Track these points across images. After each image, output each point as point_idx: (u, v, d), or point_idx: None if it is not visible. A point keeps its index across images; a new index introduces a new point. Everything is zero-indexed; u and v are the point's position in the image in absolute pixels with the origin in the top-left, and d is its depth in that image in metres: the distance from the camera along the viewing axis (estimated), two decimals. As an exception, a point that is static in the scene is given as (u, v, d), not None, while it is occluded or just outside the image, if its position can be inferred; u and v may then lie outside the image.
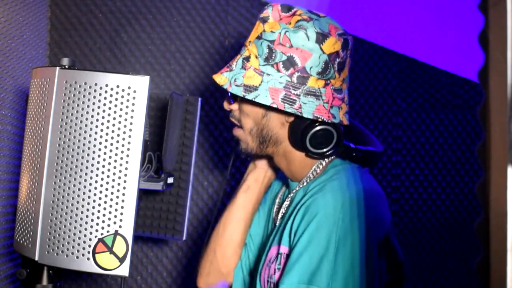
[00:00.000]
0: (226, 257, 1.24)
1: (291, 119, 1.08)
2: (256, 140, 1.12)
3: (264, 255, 1.15)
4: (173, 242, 1.88)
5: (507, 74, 0.45)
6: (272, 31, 1.05)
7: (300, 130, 1.06)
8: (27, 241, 0.95)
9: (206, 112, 1.88)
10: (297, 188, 1.14)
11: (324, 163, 1.12)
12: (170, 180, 1.22)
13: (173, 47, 1.87)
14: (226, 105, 1.17)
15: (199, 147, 1.86)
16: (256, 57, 1.06)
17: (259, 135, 1.12)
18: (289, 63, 1.03)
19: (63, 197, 0.92)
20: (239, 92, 1.05)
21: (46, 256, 0.92)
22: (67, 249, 0.91)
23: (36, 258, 0.93)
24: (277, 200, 1.24)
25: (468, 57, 1.83)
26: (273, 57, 1.04)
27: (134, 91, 0.92)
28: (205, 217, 1.87)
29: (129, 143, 0.91)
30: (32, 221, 0.94)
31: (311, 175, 1.12)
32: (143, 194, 1.38)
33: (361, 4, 1.85)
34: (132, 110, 0.91)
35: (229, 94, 1.14)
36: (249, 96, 1.04)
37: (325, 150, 1.07)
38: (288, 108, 1.03)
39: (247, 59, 1.08)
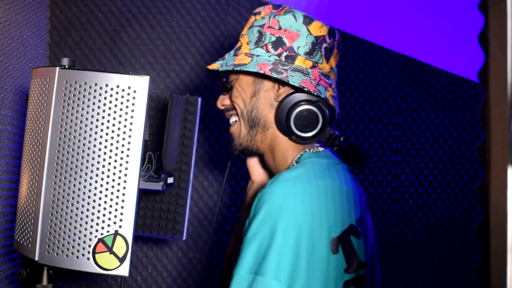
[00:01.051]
0: None
1: (280, 98, 1.09)
2: (247, 125, 1.13)
3: None
4: (173, 242, 1.88)
5: (507, 74, 0.45)
6: (262, 18, 1.12)
7: (286, 110, 1.07)
8: (27, 241, 0.95)
9: (206, 112, 1.88)
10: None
11: (302, 153, 1.10)
12: (170, 180, 1.22)
13: (173, 47, 1.87)
14: (219, 102, 1.19)
15: (199, 147, 1.86)
16: (247, 43, 1.12)
17: (249, 117, 1.12)
18: (278, 43, 1.08)
19: (63, 197, 0.92)
20: (229, 69, 1.09)
21: (46, 256, 0.92)
22: (67, 249, 0.91)
23: (36, 258, 0.93)
24: None
25: (468, 57, 1.83)
26: (262, 40, 1.09)
27: (134, 91, 0.92)
28: (205, 217, 1.87)
29: (129, 143, 0.91)
30: (32, 221, 0.94)
31: (291, 165, 1.10)
32: (143, 194, 1.38)
33: (361, 4, 1.85)
34: (132, 110, 0.91)
35: (221, 87, 1.18)
36: (239, 68, 1.07)
37: (309, 134, 1.07)
38: (275, 75, 1.04)
39: (238, 48, 1.13)
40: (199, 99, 1.35)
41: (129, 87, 0.91)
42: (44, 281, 1.00)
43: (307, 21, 1.09)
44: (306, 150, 1.10)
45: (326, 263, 0.94)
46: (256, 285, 0.89)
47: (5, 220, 1.51)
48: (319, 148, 1.12)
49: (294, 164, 1.10)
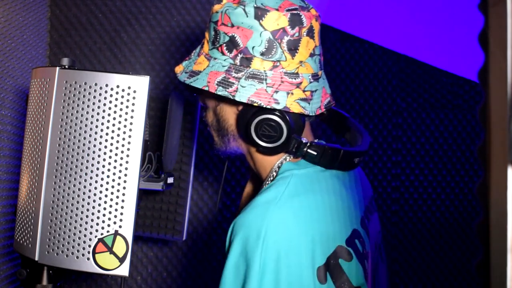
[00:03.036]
0: None
1: (240, 107, 0.99)
2: (218, 134, 1.05)
3: None
4: (173, 242, 1.88)
5: (507, 74, 0.45)
6: (216, 12, 0.97)
7: (245, 121, 0.96)
8: (27, 241, 0.95)
9: (206, 112, 1.88)
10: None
11: (279, 164, 0.99)
12: (170, 180, 1.22)
13: (173, 47, 1.87)
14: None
15: (199, 147, 1.86)
16: (207, 42, 1.00)
17: (217, 127, 1.04)
18: (232, 44, 0.94)
19: (63, 197, 0.92)
20: (183, 78, 0.99)
21: (46, 256, 0.92)
22: (67, 249, 0.91)
23: (36, 258, 0.93)
24: None
25: (468, 57, 1.83)
26: (218, 39, 0.96)
27: (134, 91, 0.92)
28: (205, 217, 1.87)
29: (129, 143, 0.91)
30: (32, 221, 0.94)
31: (269, 179, 1.00)
32: (143, 194, 1.38)
33: (361, 3, 1.85)
34: (132, 110, 0.91)
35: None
36: (189, 81, 0.98)
37: (270, 145, 0.95)
38: (221, 91, 0.93)
39: (202, 46, 1.02)
40: (199, 99, 1.35)
41: (129, 87, 0.91)
42: (44, 281, 1.00)
43: (259, 14, 0.92)
44: (286, 158, 0.99)
45: None
46: None
47: (5, 220, 1.51)
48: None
49: (274, 174, 0.99)
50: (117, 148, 0.91)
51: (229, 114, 1.02)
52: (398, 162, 1.89)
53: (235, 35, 0.94)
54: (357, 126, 1.12)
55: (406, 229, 1.89)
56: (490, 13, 0.47)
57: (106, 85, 0.91)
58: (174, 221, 1.37)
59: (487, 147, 0.48)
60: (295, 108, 0.94)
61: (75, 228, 0.91)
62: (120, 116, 0.91)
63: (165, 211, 1.38)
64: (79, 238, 0.91)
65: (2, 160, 1.49)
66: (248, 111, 0.96)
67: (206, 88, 0.95)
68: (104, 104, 0.91)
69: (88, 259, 0.91)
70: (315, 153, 0.96)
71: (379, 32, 1.87)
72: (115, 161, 0.91)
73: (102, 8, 1.86)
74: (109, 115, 0.91)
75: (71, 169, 0.92)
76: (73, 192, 0.91)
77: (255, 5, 0.93)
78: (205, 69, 0.97)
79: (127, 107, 0.91)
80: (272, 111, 0.94)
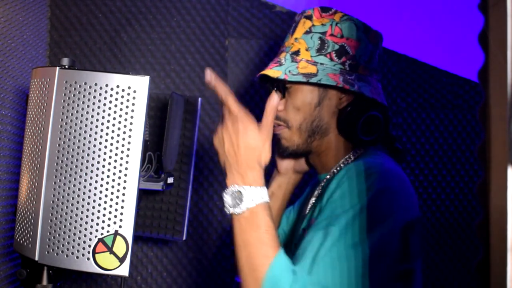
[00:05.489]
0: None
1: (343, 105, 1.10)
2: (305, 135, 1.11)
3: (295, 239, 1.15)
4: (173, 242, 1.88)
5: (507, 74, 0.45)
6: (322, 24, 1.10)
7: (353, 116, 1.08)
8: (27, 241, 0.95)
9: (206, 112, 1.88)
10: (328, 177, 1.11)
11: (358, 152, 1.11)
12: (170, 180, 1.22)
13: (173, 47, 1.87)
14: (274, 103, 0.99)
15: (199, 147, 1.86)
16: (307, 49, 1.09)
17: (309, 128, 1.10)
18: (341, 52, 1.08)
19: (63, 197, 0.92)
20: (300, 79, 1.05)
21: (46, 256, 0.92)
22: (67, 249, 0.91)
23: (36, 258, 0.93)
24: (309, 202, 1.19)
25: (468, 57, 1.83)
26: (325, 48, 1.08)
27: (134, 91, 0.92)
28: (205, 217, 1.87)
29: (129, 143, 0.91)
30: (32, 221, 0.94)
31: (341, 164, 1.10)
32: (143, 194, 1.38)
33: (360, 4, 1.85)
34: (132, 110, 0.91)
35: (276, 91, 1.11)
36: (313, 80, 1.04)
37: (373, 137, 1.09)
38: (352, 88, 1.05)
39: (296, 53, 1.09)
40: (199, 99, 1.35)
41: (129, 87, 0.91)
42: (44, 281, 1.00)
43: (367, 29, 1.11)
44: (357, 150, 1.12)
45: (395, 251, 0.96)
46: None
47: (5, 220, 1.51)
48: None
49: (353, 158, 1.10)
50: (117, 148, 0.91)
51: (328, 113, 1.10)
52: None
53: (345, 45, 1.08)
54: None
55: (406, 229, 1.89)
56: (490, 13, 0.47)
57: (106, 85, 0.91)
58: (174, 221, 1.37)
59: (487, 147, 0.48)
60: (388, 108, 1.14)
61: (75, 228, 0.91)
62: (120, 116, 0.91)
63: (165, 211, 1.38)
64: (79, 238, 0.91)
65: (2, 160, 1.49)
66: (354, 109, 1.08)
67: (340, 86, 1.04)
68: (104, 104, 0.91)
69: (88, 259, 0.91)
70: (400, 148, 1.16)
71: (379, 32, 1.87)
72: (115, 161, 0.91)
73: (102, 8, 1.86)
74: (109, 115, 0.91)
75: (71, 169, 0.92)
76: (73, 192, 0.91)
77: (362, 23, 1.11)
78: (318, 72, 1.06)
79: (127, 107, 0.91)
80: (377, 109, 1.08)
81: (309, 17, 1.11)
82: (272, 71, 1.07)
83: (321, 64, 1.07)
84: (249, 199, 0.93)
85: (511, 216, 0.44)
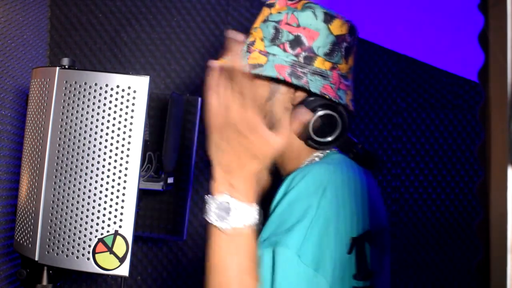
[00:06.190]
0: None
1: (296, 101, 1.02)
2: None
3: None
4: (173, 242, 1.88)
5: (507, 74, 0.45)
6: (279, 12, 1.02)
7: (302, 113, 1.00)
8: (27, 241, 0.95)
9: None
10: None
11: (321, 155, 1.04)
12: (170, 180, 1.22)
13: (173, 47, 1.87)
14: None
15: (199, 147, 1.86)
16: (262, 39, 1.03)
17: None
18: (296, 42, 1.00)
19: (63, 197, 0.92)
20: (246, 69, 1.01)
21: (46, 256, 0.92)
22: (67, 249, 0.91)
23: (36, 258, 0.93)
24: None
25: (468, 57, 1.83)
26: (279, 37, 1.01)
27: (134, 91, 0.92)
28: (205, 217, 1.87)
29: (129, 143, 0.91)
30: (32, 221, 0.94)
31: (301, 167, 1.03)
32: (143, 194, 1.38)
33: (361, 4, 1.85)
34: (132, 110, 0.91)
35: None
36: (256, 71, 0.98)
37: (329, 139, 1.00)
38: (295, 81, 0.97)
39: (251, 43, 1.04)
40: (199, 99, 1.36)
41: (129, 87, 0.91)
42: (44, 281, 1.00)
43: (328, 19, 1.01)
44: (319, 153, 1.04)
45: (343, 259, 0.88)
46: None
47: (5, 220, 1.51)
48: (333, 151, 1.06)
49: (314, 159, 1.03)
50: (117, 148, 0.91)
51: (280, 108, 1.03)
52: (398, 162, 1.89)
53: (300, 35, 1.00)
54: None
55: (406, 229, 1.89)
56: (490, 13, 0.47)
57: (106, 85, 0.91)
58: (174, 221, 1.37)
59: (487, 147, 0.48)
60: (350, 106, 1.04)
61: (75, 228, 0.91)
62: (120, 116, 0.91)
63: (165, 211, 1.38)
64: (79, 238, 0.91)
65: (2, 160, 1.49)
66: (306, 106, 1.00)
67: (282, 78, 0.97)
68: (104, 104, 0.91)
69: (88, 259, 0.91)
70: (361, 152, 1.05)
71: (379, 32, 1.87)
72: (115, 161, 0.91)
73: (102, 8, 1.86)
74: (109, 115, 0.91)
75: (71, 169, 0.92)
76: (73, 192, 0.91)
77: (323, 11, 1.01)
78: (267, 63, 0.99)
79: (127, 107, 0.91)
80: (331, 108, 1.00)
81: (270, 5, 1.05)
82: (223, 61, 1.03)
83: (273, 55, 1.00)
84: (238, 218, 0.78)
85: (511, 216, 0.44)
